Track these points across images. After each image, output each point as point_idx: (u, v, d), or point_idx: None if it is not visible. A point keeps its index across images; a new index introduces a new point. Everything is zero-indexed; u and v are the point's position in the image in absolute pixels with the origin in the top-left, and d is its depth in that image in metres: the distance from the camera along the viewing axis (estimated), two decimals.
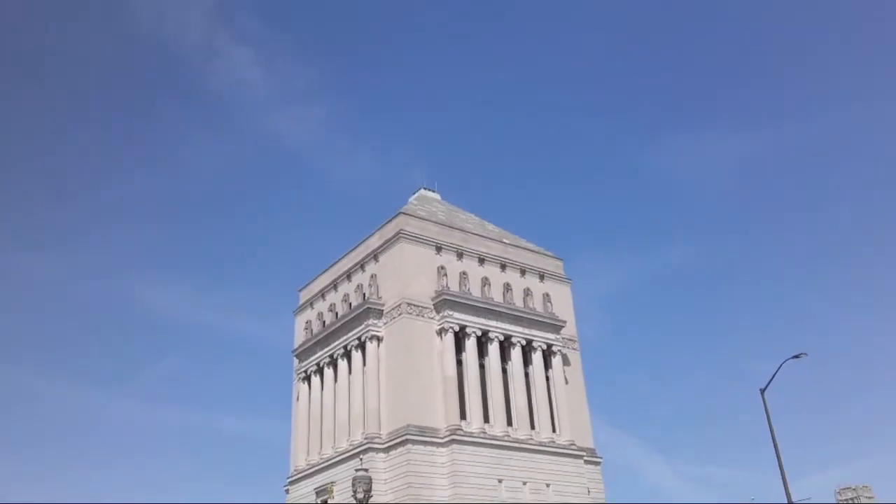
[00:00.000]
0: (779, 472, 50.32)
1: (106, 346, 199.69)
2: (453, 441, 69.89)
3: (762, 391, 53.27)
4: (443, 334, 75.43)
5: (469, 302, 77.64)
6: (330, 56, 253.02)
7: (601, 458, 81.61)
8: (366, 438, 72.28)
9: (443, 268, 79.11)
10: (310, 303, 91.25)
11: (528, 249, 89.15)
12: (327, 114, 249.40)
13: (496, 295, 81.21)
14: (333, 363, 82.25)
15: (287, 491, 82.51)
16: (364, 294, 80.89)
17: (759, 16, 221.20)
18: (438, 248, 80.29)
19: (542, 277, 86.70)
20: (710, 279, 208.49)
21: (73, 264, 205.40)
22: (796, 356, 52.17)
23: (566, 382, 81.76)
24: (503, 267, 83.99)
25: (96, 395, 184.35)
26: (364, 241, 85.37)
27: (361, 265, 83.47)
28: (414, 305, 75.82)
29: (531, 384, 79.59)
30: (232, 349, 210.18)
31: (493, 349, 77.82)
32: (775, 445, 50.96)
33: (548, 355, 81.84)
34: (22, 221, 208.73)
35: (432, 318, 76.31)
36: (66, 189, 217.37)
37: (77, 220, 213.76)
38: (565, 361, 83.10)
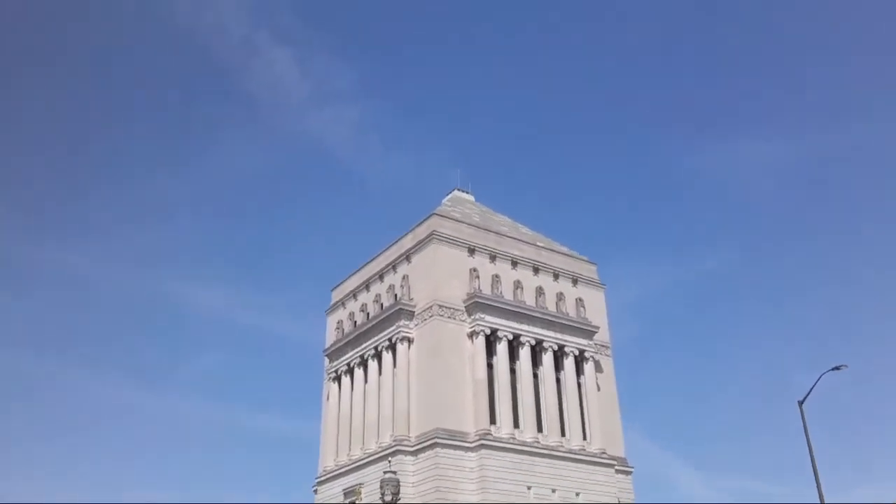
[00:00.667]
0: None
1: (143, 342, 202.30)
2: (482, 446, 69.26)
3: (800, 403, 52.01)
4: (474, 337, 74.84)
5: (501, 305, 76.95)
6: (367, 57, 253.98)
7: (632, 467, 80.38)
8: (394, 440, 71.96)
9: (475, 270, 78.52)
10: (341, 303, 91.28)
11: (561, 253, 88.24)
12: (363, 114, 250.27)
13: (528, 298, 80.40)
14: (364, 364, 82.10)
15: (315, 491, 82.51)
16: (396, 295, 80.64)
17: (801, 20, 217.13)
18: (471, 250, 79.74)
19: (575, 282, 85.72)
20: (750, 287, 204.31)
21: (112, 260, 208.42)
22: (836, 368, 50.93)
23: (598, 389, 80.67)
24: (536, 270, 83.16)
25: (132, 391, 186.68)
26: (397, 241, 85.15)
27: (393, 266, 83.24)
28: (445, 307, 75.35)
29: (562, 390, 78.65)
30: (265, 347, 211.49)
31: (525, 353, 77.04)
32: (812, 459, 49.63)
33: (580, 361, 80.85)
34: (61, 217, 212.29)
35: (464, 321, 75.78)
36: (104, 186, 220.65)
37: (115, 218, 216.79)
38: (597, 368, 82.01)
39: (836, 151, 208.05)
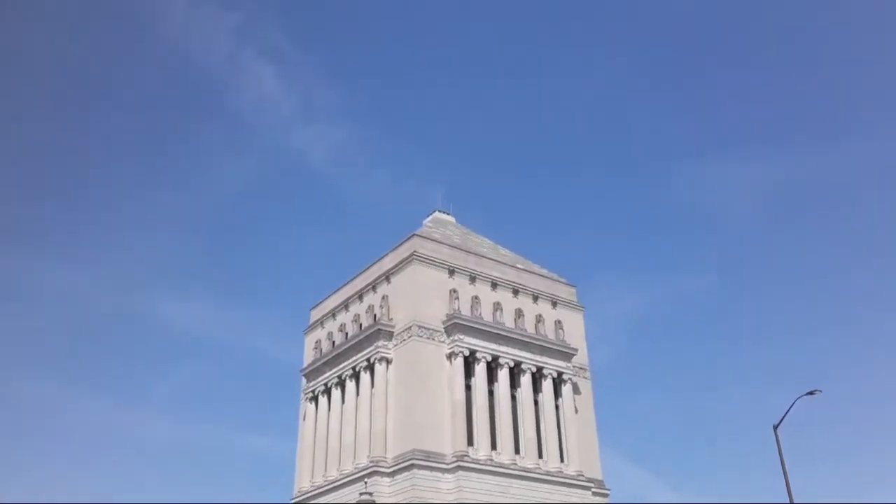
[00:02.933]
0: None
1: (119, 359, 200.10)
2: (459, 467, 68.98)
3: (775, 428, 52.39)
4: (452, 358, 74.76)
5: (480, 326, 77.00)
6: (352, 76, 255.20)
7: (609, 489, 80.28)
8: (371, 462, 71.50)
9: (455, 291, 78.61)
10: (320, 322, 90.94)
11: (541, 275, 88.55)
12: (347, 134, 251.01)
13: (508, 320, 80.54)
14: (341, 384, 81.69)
15: None
16: (375, 315, 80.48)
17: (786, 38, 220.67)
18: (451, 272, 79.86)
19: (554, 304, 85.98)
20: (730, 309, 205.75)
21: (91, 276, 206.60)
22: (810, 393, 51.43)
23: (576, 411, 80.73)
24: (516, 292, 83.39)
25: (107, 408, 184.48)
26: (377, 261, 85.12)
27: (373, 286, 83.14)
28: (424, 328, 75.30)
29: (540, 412, 78.65)
30: (242, 365, 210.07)
31: (503, 375, 77.05)
32: (787, 483, 49.96)
33: (558, 383, 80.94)
34: (41, 233, 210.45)
35: (442, 342, 75.72)
36: (86, 203, 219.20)
37: (97, 234, 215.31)
38: (576, 390, 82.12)
39: (816, 172, 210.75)
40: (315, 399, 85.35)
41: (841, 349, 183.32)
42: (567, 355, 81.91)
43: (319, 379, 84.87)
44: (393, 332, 77.03)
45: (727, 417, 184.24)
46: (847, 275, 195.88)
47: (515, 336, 78.98)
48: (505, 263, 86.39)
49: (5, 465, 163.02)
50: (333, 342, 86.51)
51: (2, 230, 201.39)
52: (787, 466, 50.51)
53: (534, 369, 79.10)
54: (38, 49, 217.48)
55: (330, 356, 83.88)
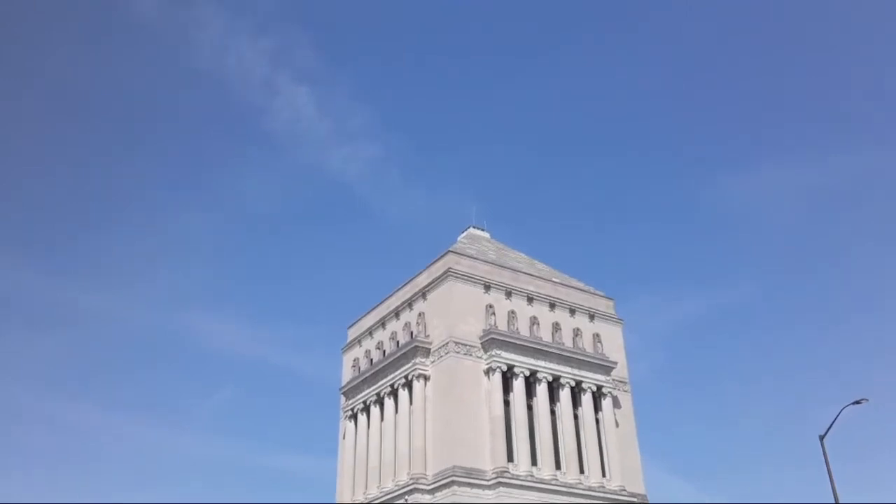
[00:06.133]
0: None
1: (160, 379, 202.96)
2: (500, 484, 68.57)
3: (821, 438, 51.40)
4: (490, 374, 74.58)
5: (517, 341, 76.74)
6: (385, 94, 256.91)
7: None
8: (411, 479, 71.44)
9: (491, 306, 78.52)
10: (357, 340, 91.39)
11: (578, 289, 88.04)
12: (381, 152, 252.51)
13: (545, 335, 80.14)
14: (380, 402, 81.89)
15: None
16: (412, 332, 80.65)
17: (821, 46, 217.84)
18: (487, 287, 79.81)
19: (592, 317, 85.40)
20: (772, 320, 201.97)
21: (130, 299, 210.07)
22: (857, 402, 50.45)
23: (616, 425, 79.91)
24: (552, 306, 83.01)
25: (149, 427, 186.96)
26: (412, 279, 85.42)
27: (409, 303, 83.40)
28: (461, 344, 75.26)
29: (580, 426, 77.97)
30: (281, 384, 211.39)
31: (542, 390, 76.59)
32: (834, 494, 48.89)
33: (598, 397, 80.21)
34: (81, 256, 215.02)
35: (480, 358, 75.58)
36: (124, 224, 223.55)
37: (135, 255, 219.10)
38: (616, 404, 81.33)
39: (856, 177, 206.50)
40: (354, 417, 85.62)
41: (886, 357, 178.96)
42: (606, 369, 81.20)
43: (358, 397, 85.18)
44: (430, 349, 77.12)
45: (771, 428, 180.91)
46: (891, 282, 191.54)
47: (553, 350, 78.54)
48: (541, 277, 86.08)
49: (51, 487, 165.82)
50: (371, 360, 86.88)
51: (42, 255, 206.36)
52: (834, 477, 49.46)
53: (573, 383, 78.52)
54: (75, 76, 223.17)
55: (368, 374, 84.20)
